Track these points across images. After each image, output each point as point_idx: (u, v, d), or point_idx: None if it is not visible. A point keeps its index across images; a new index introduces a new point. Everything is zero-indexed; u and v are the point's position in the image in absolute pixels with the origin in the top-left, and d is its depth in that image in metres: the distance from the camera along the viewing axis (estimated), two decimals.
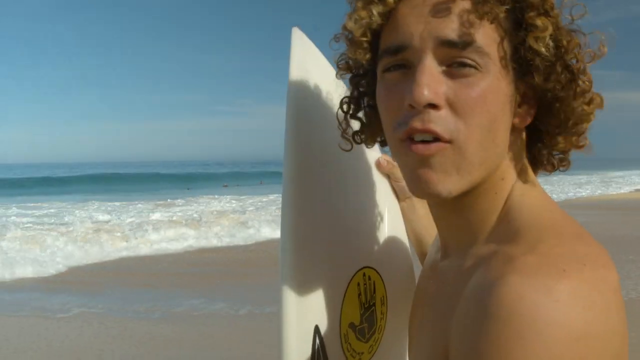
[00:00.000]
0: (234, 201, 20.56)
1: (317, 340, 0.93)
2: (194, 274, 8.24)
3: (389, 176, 1.15)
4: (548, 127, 0.74)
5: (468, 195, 0.73)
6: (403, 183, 1.04)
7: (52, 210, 18.09)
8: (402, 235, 1.17)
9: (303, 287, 0.90)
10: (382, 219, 1.11)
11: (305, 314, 0.90)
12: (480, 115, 0.68)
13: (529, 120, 0.75)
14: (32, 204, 20.83)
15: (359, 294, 1.03)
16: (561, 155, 0.77)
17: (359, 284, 1.03)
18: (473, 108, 0.68)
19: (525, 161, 0.77)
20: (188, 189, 33.21)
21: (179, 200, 21.10)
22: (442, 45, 0.68)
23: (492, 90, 0.68)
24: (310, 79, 0.96)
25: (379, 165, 1.12)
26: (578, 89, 0.71)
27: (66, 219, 14.91)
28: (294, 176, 0.90)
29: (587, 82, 0.72)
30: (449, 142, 0.69)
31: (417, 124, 0.68)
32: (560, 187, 25.07)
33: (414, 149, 0.69)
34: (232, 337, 5.37)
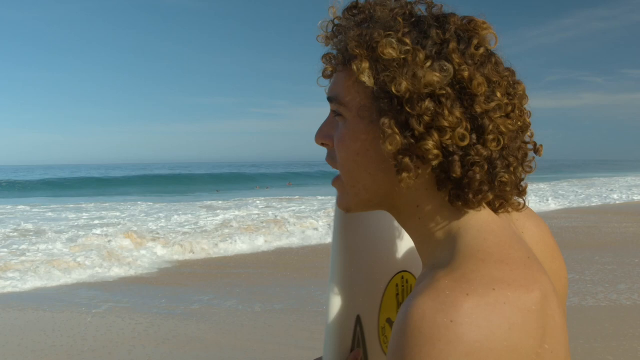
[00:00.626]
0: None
1: (358, 328, 1.04)
2: None
3: None
4: None
5: (392, 212, 0.89)
6: None
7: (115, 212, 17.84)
8: None
9: (348, 283, 1.01)
10: None
11: (349, 304, 1.01)
12: (343, 151, 0.87)
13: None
14: (100, 204, 21.08)
15: (397, 294, 1.13)
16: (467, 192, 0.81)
17: (397, 285, 1.13)
18: (338, 147, 0.88)
19: (443, 195, 0.82)
20: (217, 191, 33.49)
21: (220, 202, 21.33)
22: (328, 100, 0.90)
23: (349, 131, 0.86)
24: None
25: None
26: (407, 120, 0.81)
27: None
28: None
29: (416, 106, 0.78)
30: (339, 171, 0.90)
31: (326, 157, 0.94)
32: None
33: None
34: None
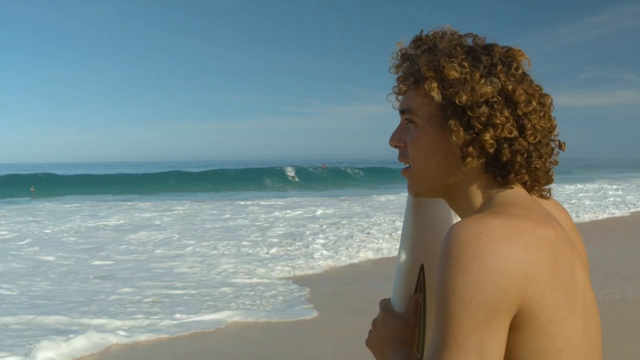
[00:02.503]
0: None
1: (422, 276, 1.26)
2: None
3: None
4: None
5: (452, 195, 1.13)
6: None
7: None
8: None
9: (417, 236, 1.25)
10: None
11: (417, 253, 1.25)
12: (415, 150, 1.13)
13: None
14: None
15: None
16: (514, 176, 1.08)
17: None
18: (411, 148, 1.13)
19: (492, 174, 1.07)
20: (230, 189, 33.12)
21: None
22: (400, 113, 1.17)
23: (421, 134, 1.11)
24: None
25: None
26: (471, 123, 1.06)
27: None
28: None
29: (483, 115, 1.04)
30: (410, 166, 1.15)
31: (398, 155, 1.19)
32: None
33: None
34: None
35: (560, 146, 1.11)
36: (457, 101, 1.03)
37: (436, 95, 1.05)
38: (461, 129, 1.04)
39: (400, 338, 1.19)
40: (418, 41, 1.13)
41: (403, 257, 1.24)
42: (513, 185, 1.06)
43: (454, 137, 1.04)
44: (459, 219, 1.30)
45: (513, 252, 0.92)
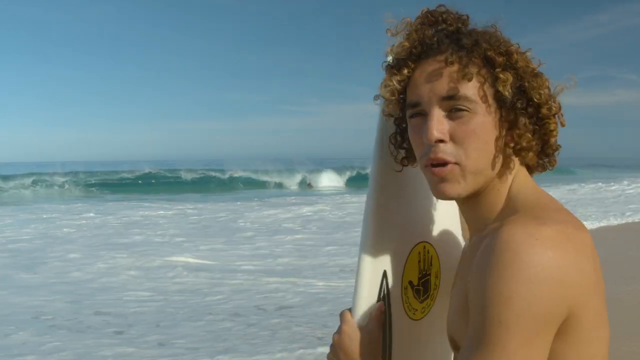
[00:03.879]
0: None
1: (384, 282, 1.20)
2: None
3: None
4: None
5: (477, 194, 1.05)
6: None
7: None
8: (460, 235, 1.44)
9: (378, 240, 1.18)
10: (444, 217, 1.38)
11: (378, 259, 1.19)
12: (474, 142, 1.00)
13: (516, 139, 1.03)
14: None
15: (419, 261, 1.30)
16: (546, 159, 1.08)
17: (419, 253, 1.30)
18: (468, 138, 0.99)
19: (518, 166, 1.05)
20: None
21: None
22: (443, 99, 1.00)
23: (480, 124, 1.00)
24: None
25: None
26: (539, 115, 1.01)
27: None
28: (381, 167, 1.19)
29: (552, 109, 1.02)
30: (456, 163, 1.01)
31: (432, 155, 1.01)
32: None
33: (434, 172, 1.03)
34: None
35: (562, 123, 1.09)
36: (535, 97, 0.99)
37: (508, 87, 0.98)
38: (529, 120, 1.00)
39: (363, 351, 1.13)
40: (447, 17, 1.04)
41: (363, 263, 1.17)
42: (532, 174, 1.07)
43: (524, 130, 0.99)
44: (425, 222, 1.29)
45: (566, 260, 0.89)
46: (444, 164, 1.01)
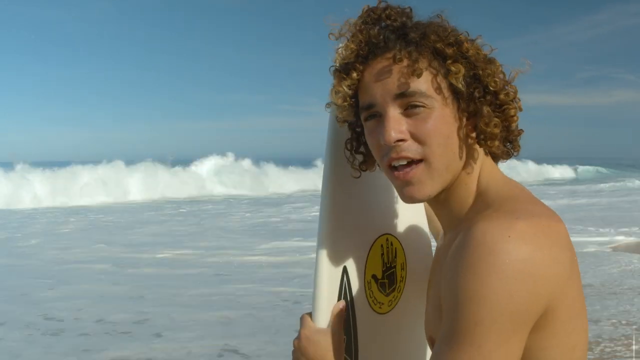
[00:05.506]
0: None
1: (345, 279, 1.18)
2: None
3: None
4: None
5: (446, 191, 1.03)
6: None
7: None
8: (424, 226, 1.43)
9: (336, 236, 1.16)
10: (406, 209, 1.36)
11: (336, 256, 1.17)
12: (436, 137, 0.97)
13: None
14: None
15: (382, 254, 1.29)
16: (510, 145, 1.06)
17: (382, 245, 1.29)
18: (429, 135, 0.97)
19: (482, 156, 1.04)
20: None
21: None
22: (396, 97, 0.97)
23: (439, 118, 0.97)
24: None
25: None
26: (498, 102, 0.99)
27: None
28: (333, 162, 1.18)
29: (510, 94, 1.00)
30: (421, 160, 0.98)
31: (393, 154, 0.99)
32: None
33: (397, 175, 1.00)
34: None
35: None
36: (491, 84, 0.98)
37: (460, 78, 0.96)
38: (491, 108, 0.98)
39: (324, 353, 1.10)
40: (390, 14, 1.01)
41: (321, 261, 1.15)
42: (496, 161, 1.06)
43: (486, 119, 0.97)
44: (387, 215, 1.28)
45: (542, 255, 0.87)
46: (409, 162, 0.98)
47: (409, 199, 1.01)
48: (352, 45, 1.00)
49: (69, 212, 18.08)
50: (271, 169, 31.69)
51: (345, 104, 1.04)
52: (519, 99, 1.02)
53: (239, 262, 8.75)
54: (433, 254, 1.34)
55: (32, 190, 21.63)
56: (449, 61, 0.97)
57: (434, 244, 1.38)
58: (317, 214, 1.16)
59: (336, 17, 1.06)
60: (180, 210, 18.60)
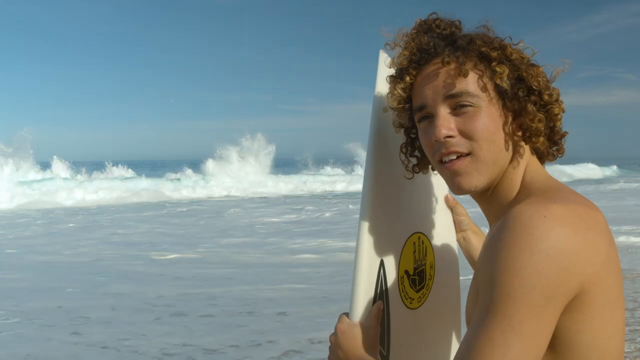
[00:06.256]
0: None
1: (382, 271, 1.24)
2: None
3: (451, 209, 1.50)
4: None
5: (492, 186, 1.09)
6: (462, 217, 1.49)
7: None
8: (451, 226, 1.49)
9: (374, 232, 1.21)
10: (438, 210, 1.43)
11: (375, 249, 1.22)
12: (483, 133, 1.04)
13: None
14: None
15: (414, 251, 1.34)
16: (555, 148, 1.12)
17: (414, 243, 1.34)
18: (476, 131, 1.04)
19: (528, 154, 1.09)
20: None
21: None
22: (445, 98, 1.05)
23: (486, 116, 1.04)
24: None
25: (447, 199, 1.49)
26: (542, 102, 1.06)
27: None
28: (374, 162, 1.23)
29: (552, 95, 1.07)
30: (468, 154, 1.05)
31: (443, 150, 1.06)
32: None
33: (447, 167, 1.07)
34: None
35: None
36: (534, 84, 1.04)
37: (505, 79, 1.04)
38: (534, 107, 1.04)
39: (360, 345, 1.16)
40: (440, 24, 1.10)
41: (361, 253, 1.20)
42: (544, 161, 1.11)
43: (531, 117, 1.03)
44: (420, 213, 1.32)
45: (577, 236, 0.90)
46: (456, 156, 1.05)
47: (457, 189, 1.07)
48: (406, 52, 1.10)
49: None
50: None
51: (400, 106, 1.13)
52: (561, 101, 1.09)
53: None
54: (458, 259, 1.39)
55: None
56: (494, 63, 1.04)
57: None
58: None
59: (390, 28, 1.16)
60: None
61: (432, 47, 1.08)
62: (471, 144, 1.04)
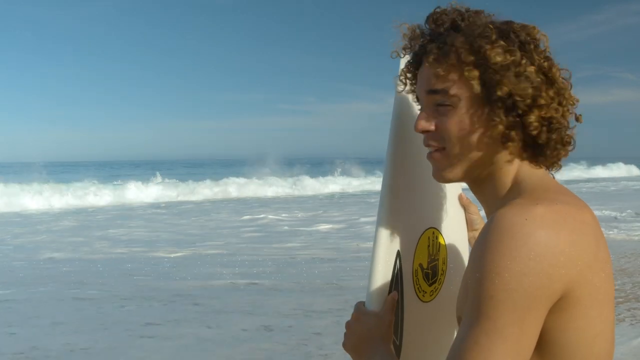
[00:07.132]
0: None
1: (398, 262, 1.27)
2: None
3: (464, 208, 1.53)
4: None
5: (479, 179, 1.11)
6: (474, 216, 1.52)
7: None
8: (463, 222, 1.53)
9: (393, 223, 1.25)
10: (451, 206, 1.46)
11: (393, 240, 1.25)
12: (455, 133, 1.07)
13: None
14: None
15: (428, 245, 1.38)
16: (551, 153, 1.07)
17: (429, 238, 1.38)
18: (449, 130, 1.07)
19: (525, 155, 1.07)
20: None
21: None
22: (427, 94, 1.11)
23: (461, 115, 1.06)
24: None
25: (460, 198, 1.52)
26: (519, 109, 1.03)
27: None
28: (394, 154, 1.27)
29: (526, 101, 1.02)
30: (442, 148, 1.10)
31: (424, 141, 1.13)
32: None
33: (429, 155, 1.14)
34: None
35: (577, 119, 1.09)
36: (498, 91, 1.01)
37: (475, 83, 1.04)
38: (503, 112, 1.03)
39: (375, 334, 1.18)
40: (438, 19, 1.11)
41: (379, 242, 1.23)
42: (541, 165, 1.07)
43: (497, 122, 1.03)
44: (434, 209, 1.36)
45: (559, 238, 0.91)
46: (434, 150, 1.11)
47: (435, 178, 1.14)
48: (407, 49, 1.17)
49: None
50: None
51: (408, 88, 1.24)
52: (559, 109, 1.04)
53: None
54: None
55: None
56: (466, 67, 1.04)
57: None
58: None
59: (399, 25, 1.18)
60: None
61: (423, 47, 1.12)
62: (445, 141, 1.08)
